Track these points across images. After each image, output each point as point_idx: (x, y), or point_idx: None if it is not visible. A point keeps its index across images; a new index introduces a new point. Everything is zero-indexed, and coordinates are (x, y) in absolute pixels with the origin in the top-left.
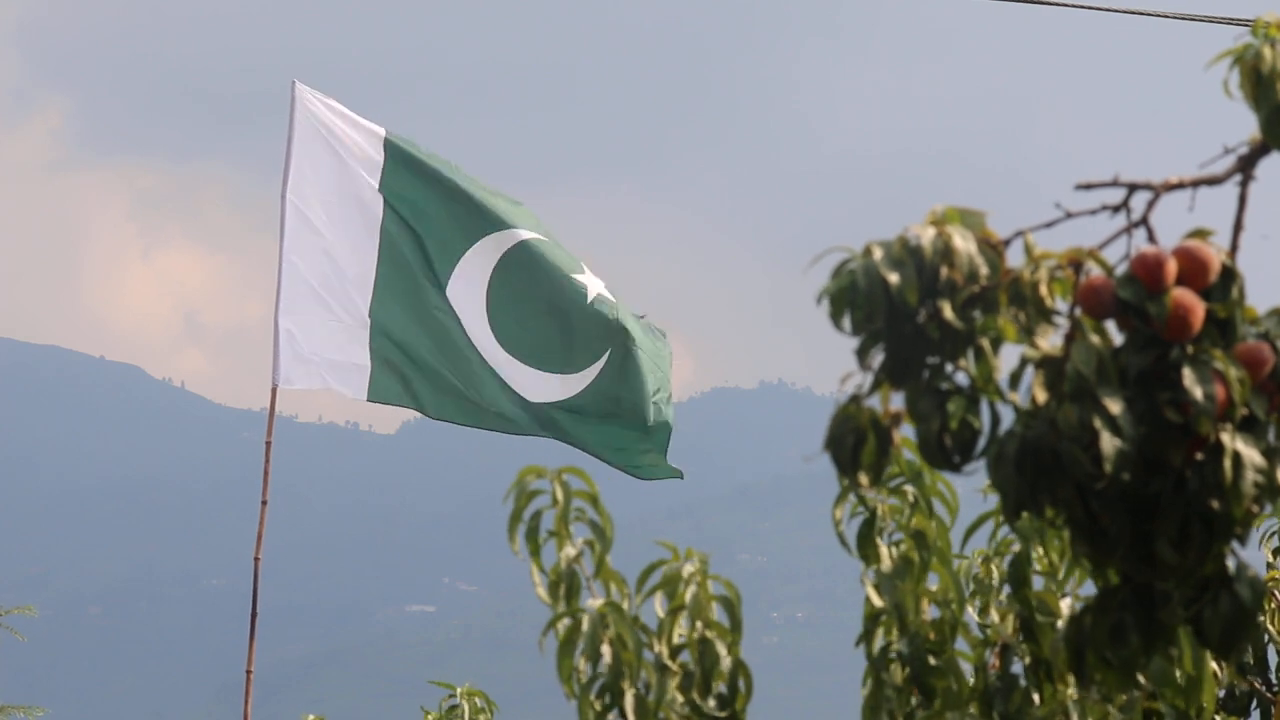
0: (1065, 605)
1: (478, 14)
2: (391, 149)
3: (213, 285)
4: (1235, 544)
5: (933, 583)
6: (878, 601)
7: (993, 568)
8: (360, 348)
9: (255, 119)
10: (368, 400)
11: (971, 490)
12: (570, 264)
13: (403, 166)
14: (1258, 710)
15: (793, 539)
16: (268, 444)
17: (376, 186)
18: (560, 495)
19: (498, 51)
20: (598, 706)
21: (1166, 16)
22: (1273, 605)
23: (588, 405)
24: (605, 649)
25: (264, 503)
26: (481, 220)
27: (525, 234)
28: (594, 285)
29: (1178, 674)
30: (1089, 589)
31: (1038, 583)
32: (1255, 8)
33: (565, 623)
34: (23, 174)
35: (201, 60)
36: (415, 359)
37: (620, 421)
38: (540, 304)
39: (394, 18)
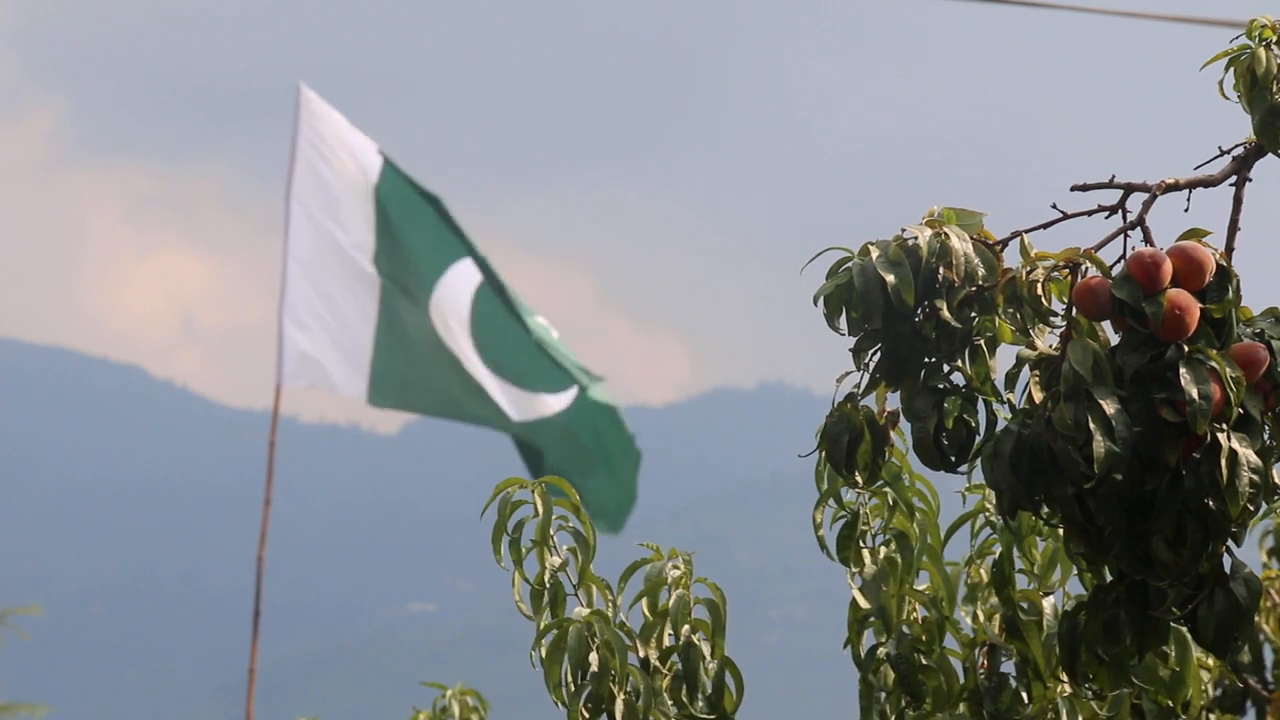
0: (1048, 604)
1: (475, 11)
2: (384, 162)
3: (210, 285)
4: (1231, 543)
5: (923, 581)
6: (864, 604)
7: (977, 570)
8: (363, 349)
9: (251, 120)
10: (369, 404)
11: (950, 491)
12: (521, 307)
13: (394, 178)
14: (1254, 709)
15: (793, 538)
16: (271, 444)
17: (376, 192)
18: (541, 506)
19: (496, 49)
20: (587, 713)
21: (1163, 19)
22: (1268, 604)
23: (573, 423)
24: (593, 657)
25: (268, 502)
26: (454, 248)
27: (482, 275)
28: (539, 331)
29: (1161, 670)
30: (1073, 586)
31: (1021, 582)
32: (1250, 9)
33: (552, 633)
34: (19, 174)
35: (197, 60)
36: (416, 361)
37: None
38: (520, 328)
39: (390, 17)
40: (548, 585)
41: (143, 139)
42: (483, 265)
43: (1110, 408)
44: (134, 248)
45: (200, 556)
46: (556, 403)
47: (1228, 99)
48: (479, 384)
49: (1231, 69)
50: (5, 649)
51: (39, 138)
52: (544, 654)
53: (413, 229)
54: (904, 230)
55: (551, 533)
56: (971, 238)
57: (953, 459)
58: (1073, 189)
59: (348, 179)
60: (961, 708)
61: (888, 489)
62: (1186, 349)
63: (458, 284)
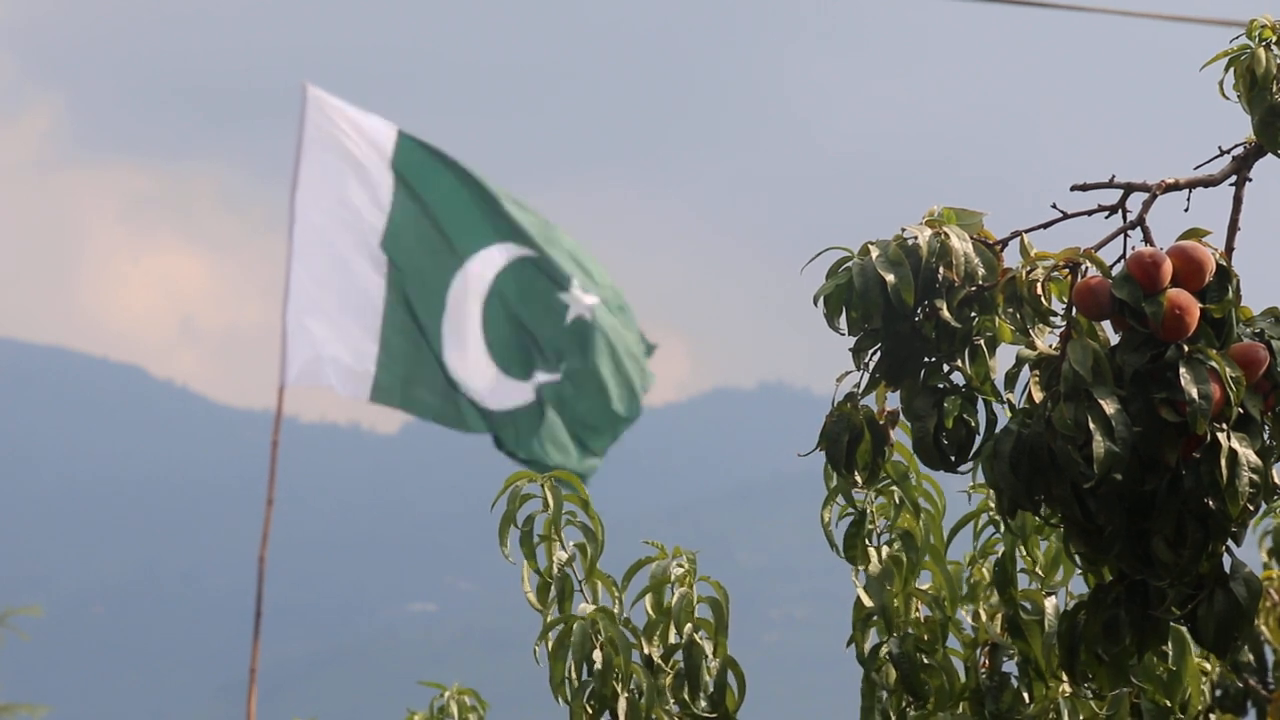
0: (1050, 604)
1: (475, 11)
2: (404, 147)
3: (209, 285)
4: (1231, 543)
5: (925, 580)
6: (868, 602)
7: (981, 569)
8: (367, 349)
9: (251, 120)
10: (370, 401)
11: (954, 491)
12: (561, 280)
13: (414, 167)
14: (1254, 710)
15: (793, 539)
16: (274, 444)
17: (389, 188)
18: (551, 500)
19: (496, 49)
20: (590, 711)
21: (1163, 19)
22: (1268, 604)
23: (541, 403)
24: (597, 654)
25: (270, 502)
26: (485, 230)
27: (521, 251)
28: (578, 305)
29: (1158, 670)
30: (1075, 586)
31: (1023, 581)
32: (1250, 9)
33: (557, 629)
34: (17, 174)
35: (197, 60)
36: (420, 362)
37: (570, 419)
38: (525, 319)
39: (390, 16)
40: (555, 579)
41: (141, 138)
42: (529, 243)
43: (1110, 408)
44: (133, 247)
45: (200, 556)
46: (545, 378)
47: (1228, 99)
48: (455, 386)
49: (1231, 69)
50: (5, 649)
51: (36, 137)
52: (549, 651)
53: (445, 203)
54: (904, 230)
55: (560, 527)
56: (971, 238)
57: (953, 459)
58: (1073, 189)
59: (356, 174)
60: (963, 707)
61: (895, 488)
62: (1186, 349)
63: (492, 259)
